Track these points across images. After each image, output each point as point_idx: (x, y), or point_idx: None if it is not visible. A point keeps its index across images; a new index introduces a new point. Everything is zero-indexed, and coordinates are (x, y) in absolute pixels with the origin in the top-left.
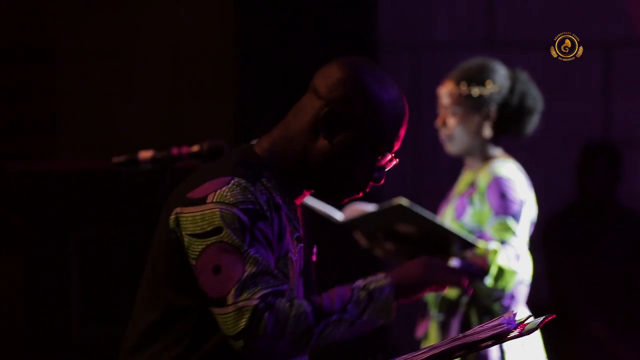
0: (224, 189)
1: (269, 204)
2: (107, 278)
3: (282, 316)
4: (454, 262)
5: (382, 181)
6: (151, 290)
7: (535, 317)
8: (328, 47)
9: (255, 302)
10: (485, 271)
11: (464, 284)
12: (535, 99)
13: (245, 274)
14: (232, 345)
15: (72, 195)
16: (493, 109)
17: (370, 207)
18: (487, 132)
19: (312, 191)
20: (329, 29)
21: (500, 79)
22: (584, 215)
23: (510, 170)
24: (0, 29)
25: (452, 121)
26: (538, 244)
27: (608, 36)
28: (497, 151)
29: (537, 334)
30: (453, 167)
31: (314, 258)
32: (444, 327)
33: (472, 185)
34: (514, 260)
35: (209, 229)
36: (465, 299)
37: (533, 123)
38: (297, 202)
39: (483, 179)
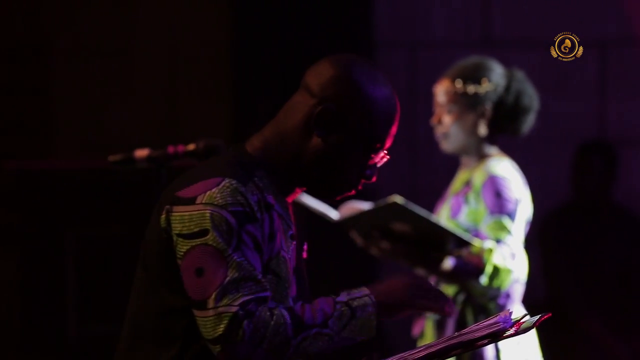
0: (214, 190)
1: (260, 204)
2: (103, 276)
3: (261, 325)
4: (450, 261)
5: (374, 178)
6: (145, 290)
7: (531, 316)
8: (325, 47)
9: (235, 308)
10: (480, 270)
11: (447, 311)
12: (532, 97)
13: (227, 279)
14: (210, 349)
15: (68, 194)
16: (489, 107)
17: (365, 206)
18: (483, 130)
19: (304, 189)
20: (325, 28)
21: (496, 77)
22: (580, 214)
23: (505, 169)
24: None
25: (447, 119)
26: (534, 242)
27: (604, 35)
28: (492, 150)
29: (533, 332)
30: (449, 166)
31: (305, 255)
32: (439, 326)
33: (468, 184)
34: (509, 259)
35: (195, 230)
36: (461, 298)
37: (529, 122)
38: (289, 199)
39: (478, 177)
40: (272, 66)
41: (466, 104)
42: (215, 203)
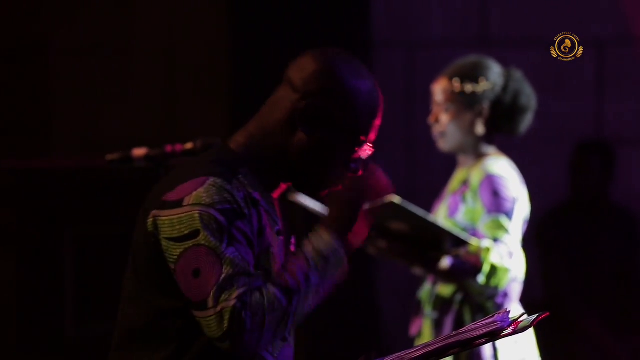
0: (200, 190)
1: (246, 200)
2: (101, 275)
3: (257, 309)
4: (447, 260)
5: (361, 172)
6: (136, 293)
7: (529, 315)
8: (322, 46)
9: (232, 302)
10: (478, 269)
11: (384, 185)
12: (529, 97)
13: (223, 276)
14: (219, 347)
15: (66, 193)
16: (486, 106)
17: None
18: (480, 129)
19: (290, 184)
20: (323, 28)
21: (494, 76)
22: (577, 213)
23: (502, 168)
24: None
25: (444, 118)
26: (532, 242)
27: (602, 35)
28: (490, 149)
29: (531, 332)
30: (446, 166)
31: (292, 249)
32: (437, 325)
33: (465, 183)
34: (506, 258)
35: (186, 232)
36: (459, 297)
37: (526, 121)
38: (275, 195)
39: (476, 176)
40: (269, 65)
41: (464, 102)
42: (203, 202)
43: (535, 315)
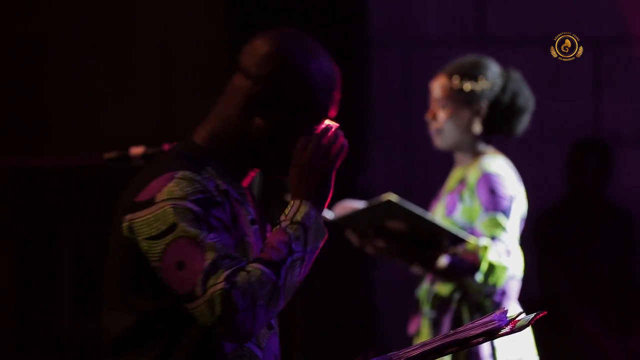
0: (170, 184)
1: (218, 189)
2: (97, 274)
3: (246, 287)
4: (445, 259)
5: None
6: (118, 296)
7: (527, 314)
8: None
9: (221, 285)
10: (476, 267)
11: (339, 142)
12: (527, 98)
13: (206, 262)
14: (215, 334)
15: (63, 191)
16: (484, 105)
17: (360, 205)
18: (477, 128)
19: (258, 170)
20: (320, 28)
21: (492, 76)
22: (574, 212)
23: (499, 166)
24: None
25: (442, 115)
26: (529, 240)
27: (599, 34)
28: (487, 148)
29: (529, 330)
30: (443, 164)
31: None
32: (435, 324)
33: (462, 181)
34: (504, 256)
35: (163, 228)
36: (457, 296)
37: (523, 123)
38: (245, 184)
39: (472, 175)
40: None
41: (462, 100)
42: (175, 196)
43: (533, 314)
